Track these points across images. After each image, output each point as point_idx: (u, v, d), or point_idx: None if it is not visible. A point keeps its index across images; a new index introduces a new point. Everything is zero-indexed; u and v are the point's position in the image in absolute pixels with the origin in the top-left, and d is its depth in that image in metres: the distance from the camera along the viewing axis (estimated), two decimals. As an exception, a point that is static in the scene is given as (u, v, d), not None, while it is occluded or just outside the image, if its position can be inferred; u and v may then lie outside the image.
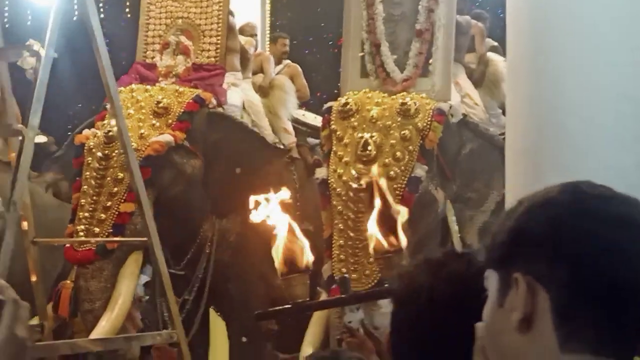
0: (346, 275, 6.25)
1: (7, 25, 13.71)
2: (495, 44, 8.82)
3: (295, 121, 8.67)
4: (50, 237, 6.43)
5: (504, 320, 1.35)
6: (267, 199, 3.37)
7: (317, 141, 8.15)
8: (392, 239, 3.15)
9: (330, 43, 14.77)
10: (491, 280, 1.41)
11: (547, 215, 1.38)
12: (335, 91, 13.34)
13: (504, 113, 8.08)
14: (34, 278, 5.39)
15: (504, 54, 8.55)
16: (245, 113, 8.14)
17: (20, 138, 4.74)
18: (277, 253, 3.24)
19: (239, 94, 8.08)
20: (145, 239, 5.34)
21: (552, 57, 6.25)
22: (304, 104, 9.25)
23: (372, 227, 3.17)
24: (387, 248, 3.14)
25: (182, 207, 7.31)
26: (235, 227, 7.85)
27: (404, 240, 3.12)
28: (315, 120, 8.68)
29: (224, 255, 7.88)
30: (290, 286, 3.25)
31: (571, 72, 6.19)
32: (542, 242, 1.36)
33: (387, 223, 3.19)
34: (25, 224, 5.22)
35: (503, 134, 7.71)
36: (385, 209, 3.19)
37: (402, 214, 3.22)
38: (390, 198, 3.22)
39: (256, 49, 9.13)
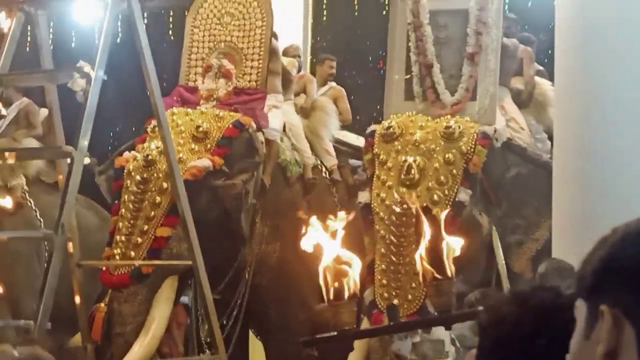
0: (394, 302, 6.19)
1: (51, 47, 13.88)
2: (541, 68, 8.73)
3: (337, 142, 8.62)
4: (92, 260, 6.44)
5: (590, 352, 1.31)
6: (321, 226, 3.34)
7: (359, 162, 8.10)
8: (442, 266, 3.13)
9: (371, 65, 14.77)
10: (580, 310, 1.37)
11: None
12: (375, 114, 13.42)
13: (549, 138, 7.99)
14: (77, 300, 5.39)
15: (549, 78, 8.48)
16: (286, 136, 8.10)
17: (68, 160, 4.74)
18: (325, 280, 3.21)
19: (279, 117, 8.03)
20: (189, 262, 5.31)
21: (600, 82, 6.20)
22: (344, 127, 9.21)
23: (422, 254, 3.15)
24: (436, 275, 3.12)
25: (220, 232, 7.27)
26: (275, 251, 7.80)
27: (452, 268, 3.10)
28: (357, 140, 8.63)
29: (262, 280, 7.82)
30: (338, 313, 3.22)
31: (619, 97, 6.14)
32: (632, 275, 1.31)
33: (436, 250, 3.17)
34: (70, 246, 5.22)
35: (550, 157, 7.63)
36: (435, 236, 3.17)
37: (452, 244, 3.19)
38: (440, 224, 3.19)
39: (299, 70, 9.11)
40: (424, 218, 3.24)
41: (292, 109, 8.40)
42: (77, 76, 4.63)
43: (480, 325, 1.94)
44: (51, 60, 5.20)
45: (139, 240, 6.95)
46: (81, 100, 4.67)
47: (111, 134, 15.16)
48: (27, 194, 8.35)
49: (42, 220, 8.42)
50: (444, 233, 3.18)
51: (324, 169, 8.30)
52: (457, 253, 3.16)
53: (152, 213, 7.00)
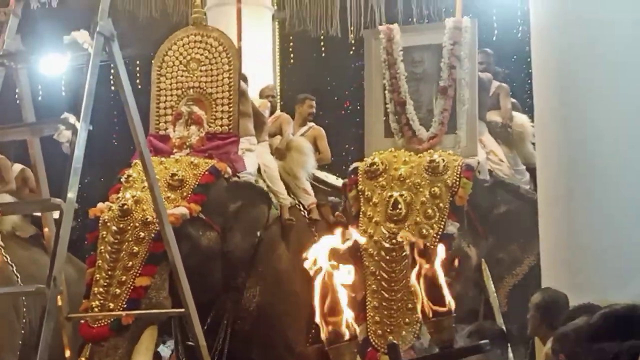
0: (394, 341, 6.15)
1: (40, 98, 13.80)
2: (514, 101, 8.84)
3: (316, 179, 8.62)
4: (73, 312, 6.33)
5: None
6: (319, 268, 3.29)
7: (339, 200, 8.10)
8: (441, 302, 3.11)
9: (338, 105, 14.85)
10: None
11: None
12: (344, 153, 13.47)
13: (527, 169, 8.06)
14: (68, 354, 5.30)
15: (522, 110, 8.58)
16: (260, 178, 8.06)
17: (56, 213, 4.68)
18: (322, 322, 3.16)
19: (253, 160, 8.00)
20: (182, 310, 5.24)
21: (580, 101, 6.26)
22: (322, 167, 9.22)
23: (419, 291, 3.13)
24: (437, 311, 3.09)
25: (198, 280, 7.19)
26: (254, 295, 7.73)
27: (452, 303, 3.08)
28: (337, 181, 8.63)
29: (244, 325, 7.73)
30: (339, 355, 3.18)
31: (599, 119, 6.21)
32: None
33: (432, 285, 3.15)
34: (59, 300, 5.13)
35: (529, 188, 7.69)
36: (429, 271, 3.15)
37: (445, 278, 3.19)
38: (435, 260, 3.17)
39: (273, 111, 9.09)
40: (416, 253, 3.21)
41: (266, 150, 8.38)
42: (62, 128, 4.57)
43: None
44: (33, 113, 5.14)
45: (118, 291, 6.85)
46: (67, 151, 4.61)
47: (79, 185, 15.02)
48: (2, 250, 8.23)
49: (19, 275, 8.29)
50: (439, 267, 3.15)
51: (302, 208, 8.28)
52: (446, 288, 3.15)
53: (130, 263, 6.91)
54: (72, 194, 4.54)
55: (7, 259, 8.26)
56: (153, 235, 6.90)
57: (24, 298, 7.96)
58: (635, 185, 6.12)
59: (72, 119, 4.62)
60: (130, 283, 6.86)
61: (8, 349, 7.79)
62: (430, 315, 3.12)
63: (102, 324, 6.77)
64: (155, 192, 5.16)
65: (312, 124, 9.37)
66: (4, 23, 5.02)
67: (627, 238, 6.02)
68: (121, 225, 7.02)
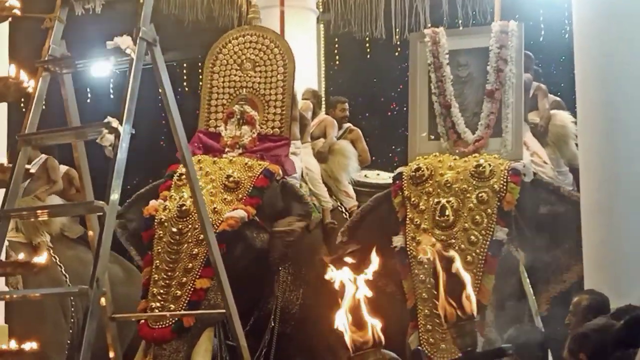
0: (419, 347, 6.15)
1: (88, 101, 14.00)
2: (558, 99, 8.76)
3: (357, 184, 8.62)
4: (119, 312, 6.41)
5: None
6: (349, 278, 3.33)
7: None
8: (464, 306, 3.12)
9: (384, 107, 14.82)
10: None
11: None
12: (390, 154, 13.44)
13: (571, 170, 7.98)
14: (112, 354, 5.36)
15: (566, 108, 8.50)
16: (303, 181, 8.10)
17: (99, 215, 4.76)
18: (346, 331, 3.21)
19: (297, 163, 8.04)
20: (223, 311, 5.30)
21: (622, 108, 6.21)
22: (363, 168, 9.23)
23: (443, 297, 3.16)
24: (460, 316, 3.11)
25: (248, 280, 7.24)
26: (297, 298, 7.76)
27: (474, 307, 3.10)
28: (378, 177, 8.63)
29: (286, 328, 7.75)
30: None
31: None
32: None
33: (458, 290, 3.16)
34: (103, 300, 5.20)
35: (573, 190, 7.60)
36: (455, 277, 3.17)
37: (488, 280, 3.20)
38: (459, 266, 3.19)
39: (314, 112, 9.09)
40: (440, 261, 3.23)
41: (310, 153, 8.42)
42: (105, 132, 4.64)
43: None
44: (78, 117, 5.22)
45: (178, 292, 6.93)
46: (110, 155, 4.67)
47: (128, 187, 15.22)
48: (51, 251, 8.39)
49: (67, 275, 8.45)
50: (463, 273, 3.17)
51: (344, 211, 8.30)
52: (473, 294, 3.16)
53: (190, 265, 7.00)
54: (114, 197, 4.61)
55: (56, 259, 8.43)
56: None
57: (72, 298, 8.10)
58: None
59: (115, 123, 4.68)
60: (191, 285, 6.93)
61: (54, 347, 7.93)
62: (454, 319, 3.13)
63: (164, 326, 6.85)
64: (197, 194, 5.22)
65: (348, 124, 9.39)
66: (49, 29, 5.11)
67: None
68: (180, 226, 7.09)
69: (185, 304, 6.87)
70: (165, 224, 7.16)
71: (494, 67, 7.34)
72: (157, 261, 7.09)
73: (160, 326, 6.84)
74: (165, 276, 6.99)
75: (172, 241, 7.08)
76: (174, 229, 7.09)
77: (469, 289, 3.15)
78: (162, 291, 6.95)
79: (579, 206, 7.08)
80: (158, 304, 6.90)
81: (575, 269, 7.16)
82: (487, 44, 7.43)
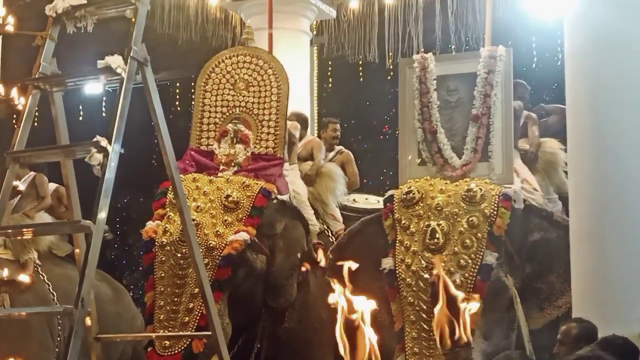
0: None
1: (81, 118, 14.01)
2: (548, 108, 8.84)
3: (345, 208, 8.61)
4: (106, 332, 6.38)
5: None
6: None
7: None
8: (460, 333, 3.11)
9: (376, 130, 14.87)
10: None
11: None
12: (382, 177, 13.47)
13: (560, 198, 7.99)
14: (96, 374, 5.33)
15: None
16: (291, 204, 8.08)
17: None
18: (345, 351, 3.17)
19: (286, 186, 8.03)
20: (209, 333, 5.27)
21: (612, 136, 6.22)
22: (353, 191, 9.22)
23: (440, 322, 3.14)
24: (455, 342, 3.10)
25: (248, 302, 7.21)
26: (282, 322, 7.73)
27: (470, 335, 3.09)
28: (366, 202, 8.62)
29: (269, 352, 7.68)
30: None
31: (632, 150, 6.16)
32: None
33: (454, 316, 3.15)
34: (88, 320, 5.18)
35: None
36: (452, 302, 3.16)
37: (471, 307, 3.19)
38: (455, 291, 3.18)
39: (303, 131, 9.07)
40: (441, 285, 3.22)
41: (297, 174, 8.39)
42: (94, 151, 4.63)
43: None
44: (67, 135, 5.21)
45: (186, 318, 6.88)
46: (98, 174, 4.66)
47: (118, 205, 15.21)
48: (39, 268, 8.34)
49: (55, 293, 8.39)
50: (456, 294, 3.16)
51: (330, 234, 8.28)
52: (476, 310, 3.15)
53: (197, 290, 6.83)
54: (101, 216, 4.59)
55: (43, 277, 8.37)
56: (217, 261, 6.93)
57: (59, 316, 8.05)
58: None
59: (103, 142, 4.67)
60: (198, 310, 6.84)
61: (40, 366, 7.87)
62: (449, 346, 3.13)
63: (174, 353, 6.78)
64: (185, 215, 5.20)
65: (340, 147, 9.38)
66: (40, 47, 5.11)
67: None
68: (184, 251, 6.97)
69: (193, 330, 6.78)
70: (167, 247, 7.11)
71: (481, 91, 7.37)
72: (161, 286, 7.03)
73: (169, 353, 6.77)
74: (171, 301, 6.94)
75: (177, 266, 7.02)
76: (179, 254, 7.03)
77: (466, 316, 3.14)
78: (169, 317, 6.89)
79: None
80: (165, 331, 6.82)
81: (570, 293, 7.17)
82: (476, 69, 7.44)
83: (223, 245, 7.01)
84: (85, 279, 4.48)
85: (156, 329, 6.87)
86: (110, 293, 8.74)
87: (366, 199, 8.93)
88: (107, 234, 8.70)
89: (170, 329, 6.82)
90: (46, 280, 8.40)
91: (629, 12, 6.25)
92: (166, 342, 6.74)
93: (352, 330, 3.15)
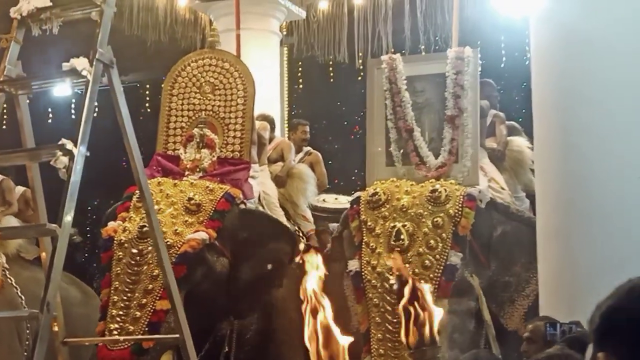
0: None
1: (50, 120, 13.91)
2: (516, 125, 8.88)
3: (314, 209, 8.62)
4: (75, 335, 6.34)
5: None
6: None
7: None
8: (427, 332, 3.13)
9: (347, 130, 14.89)
10: (587, 354, 1.46)
11: None
12: (353, 177, 13.50)
13: (527, 196, 8.06)
14: (64, 378, 5.28)
15: (521, 132, 8.60)
16: (260, 205, 8.06)
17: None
18: (313, 354, 3.18)
19: (255, 187, 7.99)
20: (177, 335, 5.25)
21: (578, 134, 6.27)
22: (323, 191, 9.24)
23: (407, 321, 3.16)
24: (422, 341, 3.12)
25: (206, 305, 7.19)
26: (251, 324, 7.72)
27: (437, 334, 3.11)
28: (336, 202, 8.65)
29: (239, 354, 7.70)
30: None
31: (598, 148, 6.21)
32: (631, 329, 1.37)
33: (422, 315, 3.16)
34: (55, 324, 5.14)
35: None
36: (418, 299, 3.18)
37: (436, 310, 3.21)
38: (424, 291, 3.20)
39: (271, 132, 9.06)
40: (407, 285, 3.23)
41: (267, 176, 8.39)
42: (59, 154, 4.60)
43: None
44: (33, 139, 5.17)
45: (138, 314, 6.86)
46: (64, 177, 4.62)
47: (89, 207, 15.12)
48: (7, 272, 8.29)
49: (23, 297, 8.34)
50: (427, 299, 3.18)
51: (301, 235, 8.28)
52: (437, 320, 3.17)
53: (151, 286, 6.93)
54: (67, 219, 4.56)
55: (11, 280, 8.32)
56: (173, 259, 6.91)
57: (27, 321, 8.00)
58: (635, 220, 6.11)
59: (69, 145, 4.63)
60: (151, 306, 6.87)
61: (8, 371, 7.83)
62: (415, 345, 3.15)
63: (123, 347, 6.76)
64: (152, 218, 5.17)
65: (308, 148, 9.40)
66: (5, 50, 5.07)
67: (625, 272, 6.00)
68: (141, 248, 7.03)
69: (144, 326, 6.80)
70: (125, 245, 7.10)
71: (452, 93, 7.41)
72: (117, 283, 7.02)
73: (119, 348, 6.75)
74: (124, 297, 6.93)
75: (133, 262, 7.02)
76: (135, 250, 7.03)
77: (434, 318, 3.16)
78: (121, 312, 6.88)
79: (526, 221, 7.34)
80: (117, 326, 6.83)
81: (534, 280, 7.28)
82: (443, 70, 7.49)
83: (180, 243, 7.00)
84: (51, 283, 4.44)
85: (108, 324, 6.85)
86: (80, 296, 8.71)
87: (336, 199, 8.96)
88: (75, 237, 8.73)
89: (121, 324, 6.82)
90: (14, 284, 8.36)
91: (595, 10, 6.30)
92: (116, 335, 6.72)
93: (322, 332, 3.16)
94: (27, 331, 8.21)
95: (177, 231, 7.11)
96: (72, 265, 8.37)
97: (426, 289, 3.20)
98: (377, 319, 6.79)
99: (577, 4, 6.38)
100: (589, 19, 6.31)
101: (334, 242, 7.68)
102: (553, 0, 6.53)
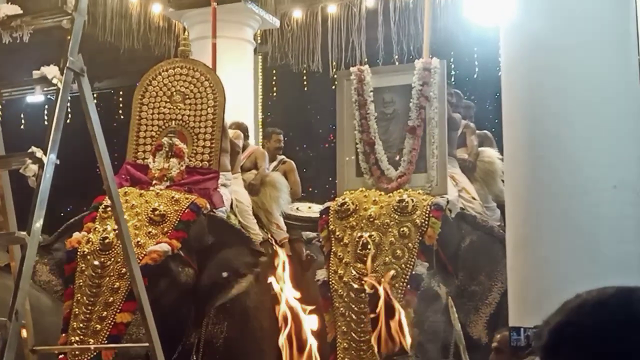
0: None
1: (22, 127, 13.83)
2: (489, 134, 8.96)
3: (288, 217, 8.60)
4: (47, 343, 6.31)
5: None
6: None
7: (313, 234, 8.10)
8: (398, 340, 3.17)
9: (322, 138, 14.92)
10: None
11: (595, 319, 1.40)
12: (327, 186, 13.53)
13: (498, 206, 8.13)
14: (32, 387, 5.26)
15: (493, 141, 8.68)
16: (232, 213, 8.03)
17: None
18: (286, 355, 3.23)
19: (227, 195, 7.95)
20: (146, 344, 5.24)
21: (547, 145, 6.33)
22: (297, 200, 9.23)
23: (378, 329, 3.20)
24: (392, 349, 3.16)
25: (172, 315, 7.15)
26: (222, 332, 7.69)
27: (409, 342, 3.15)
28: (310, 210, 8.65)
29: None
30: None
31: (567, 160, 6.27)
32: (580, 345, 1.39)
33: (392, 324, 3.21)
34: (24, 332, 5.12)
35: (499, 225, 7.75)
36: (391, 311, 3.22)
37: (407, 315, 3.25)
38: (395, 300, 3.24)
39: (245, 140, 9.06)
40: (381, 294, 3.28)
41: (240, 184, 8.36)
42: (29, 162, 4.58)
43: None
44: (2, 146, 5.15)
45: (98, 327, 6.80)
46: (33, 185, 4.60)
47: (62, 214, 15.05)
48: (-23, 279, 8.23)
49: (-7, 304, 8.29)
50: (399, 308, 3.23)
51: (274, 243, 8.27)
52: (410, 317, 3.23)
53: (111, 299, 6.87)
54: (36, 227, 4.54)
55: (-19, 288, 8.26)
56: None
57: (-4, 328, 7.94)
58: (604, 230, 6.17)
59: (39, 153, 4.62)
60: (111, 319, 6.81)
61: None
62: (386, 353, 3.19)
63: (83, 359, 6.72)
64: (122, 227, 5.16)
65: (282, 157, 9.40)
66: (-25, 57, 5.06)
67: (594, 282, 6.05)
68: (102, 260, 6.97)
69: (104, 339, 6.74)
70: (88, 257, 7.04)
71: (416, 103, 7.45)
72: (79, 295, 6.97)
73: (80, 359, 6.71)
74: (85, 310, 6.87)
75: (94, 274, 6.96)
76: (96, 262, 6.98)
77: (405, 326, 3.20)
78: (82, 325, 6.83)
79: (489, 231, 7.54)
80: (77, 338, 6.77)
81: (495, 288, 7.38)
82: (411, 81, 7.53)
83: (142, 255, 6.93)
84: (20, 291, 4.42)
85: (69, 336, 6.80)
86: (51, 303, 8.65)
87: (309, 207, 8.95)
88: (41, 240, 8.68)
89: (81, 337, 6.77)
90: (-16, 291, 8.31)
91: (563, 22, 6.37)
92: (76, 350, 6.69)
93: (295, 337, 3.19)
94: (-3, 339, 8.16)
95: (139, 242, 7.03)
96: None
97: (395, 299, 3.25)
98: (343, 327, 6.82)
99: (545, 15, 6.45)
100: (557, 30, 6.38)
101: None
102: (522, 11, 6.59)
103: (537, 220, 6.36)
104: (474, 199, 7.98)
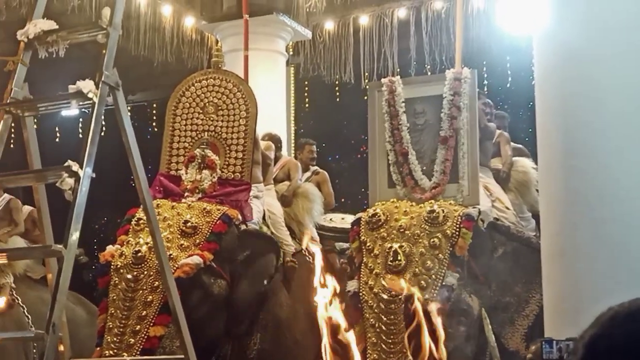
0: None
1: (57, 140, 13.98)
2: (521, 146, 8.91)
3: (321, 228, 8.58)
4: (82, 355, 6.36)
5: None
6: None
7: (346, 245, 8.08)
8: (435, 352, 3.18)
9: (354, 149, 14.92)
10: None
11: (627, 330, 1.41)
12: (360, 197, 13.53)
13: (533, 216, 8.07)
14: (70, 398, 5.31)
15: (529, 154, 8.63)
16: (265, 225, 8.01)
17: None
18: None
19: (259, 207, 7.95)
20: (182, 356, 5.27)
21: (583, 155, 6.29)
22: (330, 210, 9.23)
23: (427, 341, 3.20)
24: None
25: (204, 326, 7.17)
26: (254, 344, 7.67)
27: (444, 354, 3.16)
28: (343, 221, 8.63)
29: None
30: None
31: (602, 169, 6.22)
32: (616, 356, 1.39)
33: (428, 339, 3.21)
34: (61, 345, 5.17)
35: (535, 235, 7.70)
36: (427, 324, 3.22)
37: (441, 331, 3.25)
38: (433, 315, 3.25)
39: (278, 152, 9.06)
40: (417, 306, 3.28)
41: (273, 195, 8.36)
42: (65, 175, 4.63)
43: None
44: (39, 160, 5.21)
45: (132, 340, 6.80)
46: (70, 198, 4.65)
47: (96, 226, 15.18)
48: (14, 292, 8.32)
49: (29, 316, 8.38)
50: (436, 320, 3.24)
51: (307, 254, 8.26)
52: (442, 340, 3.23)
53: (144, 312, 6.86)
54: (73, 240, 4.59)
55: (18, 300, 8.35)
56: None
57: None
58: (639, 237, 6.12)
59: (75, 166, 4.66)
60: (144, 333, 6.80)
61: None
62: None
63: None
64: (157, 239, 5.20)
65: (315, 167, 9.39)
66: (11, 72, 5.11)
67: (630, 293, 5.99)
68: (135, 273, 6.96)
69: (138, 352, 6.72)
70: (121, 270, 7.05)
71: (447, 114, 7.44)
72: (112, 309, 6.97)
73: None
74: (119, 324, 6.87)
75: (127, 288, 6.96)
76: (129, 276, 6.98)
77: (441, 340, 3.21)
78: (115, 339, 6.83)
79: (526, 242, 7.47)
80: (111, 352, 6.76)
81: (534, 300, 7.30)
82: (442, 92, 7.52)
83: (174, 268, 6.86)
84: (57, 304, 4.47)
85: (104, 350, 6.81)
86: (86, 316, 8.73)
87: (342, 218, 8.93)
88: (82, 257, 8.78)
89: (116, 351, 6.76)
90: (21, 304, 8.40)
91: (597, 31, 6.33)
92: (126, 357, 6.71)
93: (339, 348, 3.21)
94: (34, 350, 8.24)
95: (172, 256, 6.99)
96: (79, 284, 8.40)
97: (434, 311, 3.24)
98: (373, 339, 6.81)
99: (579, 25, 6.41)
100: (591, 40, 6.34)
101: (349, 261, 7.68)
102: (555, 21, 6.56)
103: (571, 230, 6.31)
104: (507, 209, 7.94)
